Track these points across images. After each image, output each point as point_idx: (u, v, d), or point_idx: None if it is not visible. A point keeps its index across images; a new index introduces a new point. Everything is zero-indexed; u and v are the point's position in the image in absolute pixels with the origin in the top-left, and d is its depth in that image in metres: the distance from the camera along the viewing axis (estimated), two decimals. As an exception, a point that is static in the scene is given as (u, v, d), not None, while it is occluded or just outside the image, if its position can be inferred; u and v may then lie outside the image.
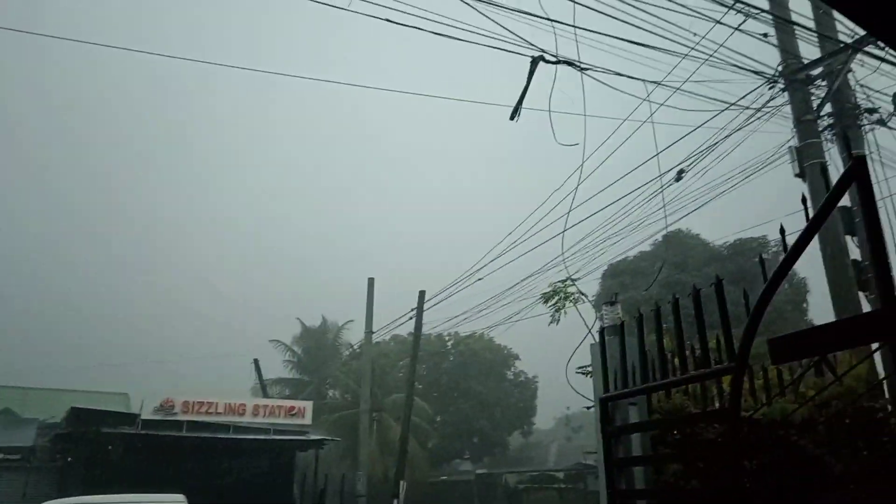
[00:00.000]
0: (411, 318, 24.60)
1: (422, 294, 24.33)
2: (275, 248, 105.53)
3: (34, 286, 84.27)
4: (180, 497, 15.54)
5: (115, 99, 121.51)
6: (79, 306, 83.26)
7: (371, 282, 25.17)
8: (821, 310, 24.62)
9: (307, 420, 22.55)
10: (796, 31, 10.14)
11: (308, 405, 23.26)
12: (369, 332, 24.77)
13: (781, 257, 3.27)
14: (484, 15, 7.63)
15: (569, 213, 9.11)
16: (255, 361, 33.31)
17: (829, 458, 4.11)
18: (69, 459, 20.90)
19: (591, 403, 5.11)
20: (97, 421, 19.61)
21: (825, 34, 9.94)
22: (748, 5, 9.33)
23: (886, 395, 4.92)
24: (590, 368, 5.20)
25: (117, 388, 32.55)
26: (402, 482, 22.50)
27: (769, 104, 10.71)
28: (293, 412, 22.55)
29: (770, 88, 10.49)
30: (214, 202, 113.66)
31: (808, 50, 10.46)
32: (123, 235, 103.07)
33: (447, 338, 41.26)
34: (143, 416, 20.11)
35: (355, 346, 37.32)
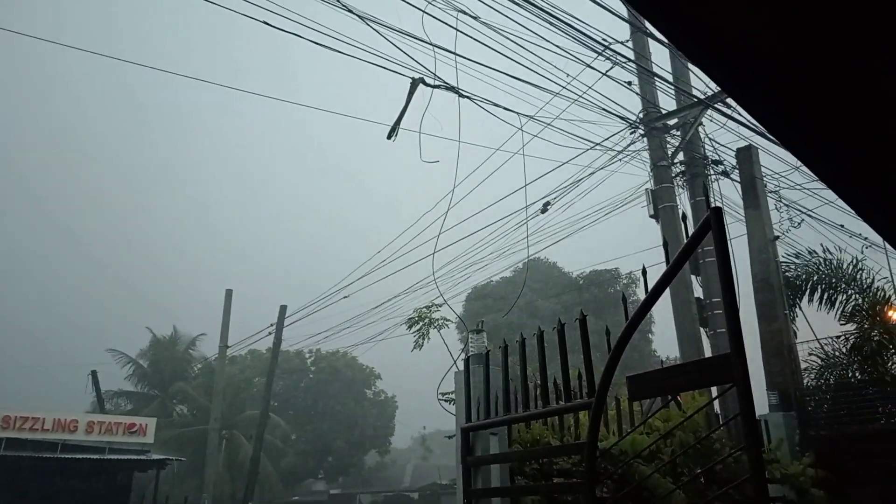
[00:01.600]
0: (270, 334, 23.79)
1: (283, 308, 23.61)
2: (125, 252, 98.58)
3: None
4: (-6, 524, 13.93)
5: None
6: None
7: (229, 293, 24.09)
8: (663, 339, 26.55)
9: (149, 438, 20.99)
10: (657, 83, 10.93)
11: (151, 422, 21.67)
12: (224, 345, 23.64)
13: (632, 290, 3.40)
14: (374, 30, 7.56)
15: (439, 235, 9.16)
16: (93, 373, 30.62)
17: (672, 485, 4.32)
18: None
19: (452, 433, 5.09)
20: None
21: (682, 88, 10.79)
22: (617, 53, 9.92)
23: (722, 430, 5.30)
24: (453, 395, 5.18)
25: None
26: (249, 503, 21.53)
27: (630, 147, 11.45)
28: (133, 430, 20.91)
29: (631, 133, 11.21)
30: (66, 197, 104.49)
31: (667, 101, 11.31)
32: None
33: (308, 355, 40.32)
34: (-47, 432, 17.83)
35: (210, 359, 35.46)
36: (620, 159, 11.70)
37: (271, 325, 23.58)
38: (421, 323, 7.70)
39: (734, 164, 10.75)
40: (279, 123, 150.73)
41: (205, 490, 21.75)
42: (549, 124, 10.89)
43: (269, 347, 28.33)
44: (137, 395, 37.62)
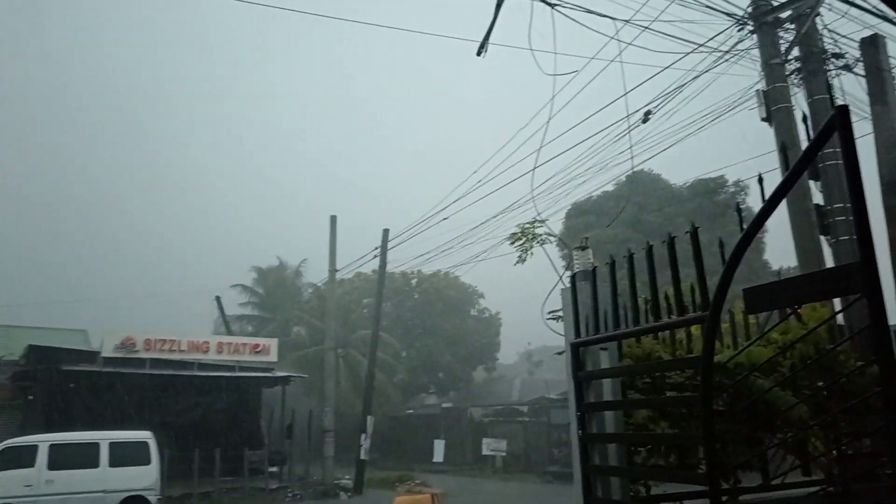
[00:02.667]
0: (375, 257, 24.58)
1: (385, 232, 24.24)
2: (235, 189, 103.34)
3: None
4: (147, 434, 15.60)
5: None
6: (32, 243, 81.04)
7: (333, 220, 24.92)
8: (775, 250, 25.28)
9: (272, 357, 22.61)
10: (769, -29, 9.97)
11: (273, 342, 23.27)
12: (333, 269, 24.68)
13: (741, 198, 3.25)
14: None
15: (540, 148, 9.01)
16: (218, 298, 33.08)
17: (793, 398, 4.23)
18: (30, 397, 20.68)
19: (559, 349, 5.15)
20: (56, 358, 19.34)
21: (798, -26, 9.79)
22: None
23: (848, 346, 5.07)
24: (560, 313, 5.21)
25: (74, 326, 31.99)
26: (369, 417, 22.91)
27: (738, 46, 10.62)
28: (258, 349, 22.56)
29: (739, 30, 10.37)
30: (182, 145, 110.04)
31: (780, -10, 10.33)
32: (81, 174, 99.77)
33: (411, 276, 41.46)
34: (105, 354, 19.88)
35: (318, 283, 37.27)
36: (727, 60, 10.91)
37: (376, 248, 24.35)
38: (524, 238, 7.69)
39: (857, 56, 9.76)
40: (376, 51, 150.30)
41: (326, 404, 23.32)
42: (646, 27, 10.27)
43: (374, 270, 29.35)
44: (257, 319, 40.36)
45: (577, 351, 4.51)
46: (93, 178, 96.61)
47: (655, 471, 4.27)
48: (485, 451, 28.28)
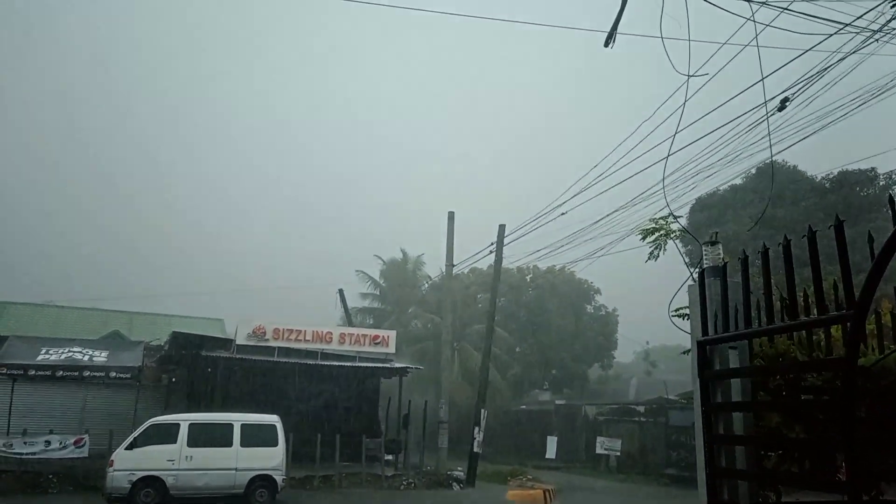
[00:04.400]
0: (491, 252, 24.67)
1: (501, 228, 24.26)
2: (349, 184, 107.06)
3: (136, 218, 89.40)
4: (275, 417, 16.55)
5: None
6: (175, 237, 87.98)
7: (451, 216, 25.24)
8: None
9: (391, 349, 23.25)
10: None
11: (392, 334, 23.93)
12: (450, 264, 25.02)
13: (893, 191, 2.98)
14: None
15: (675, 134, 8.68)
16: (340, 291, 34.45)
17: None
18: (173, 379, 22.47)
19: (679, 348, 4.97)
20: (196, 345, 20.89)
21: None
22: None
23: None
24: (686, 310, 5.03)
25: (211, 314, 34.45)
26: (482, 409, 23.08)
27: (889, 25, 9.74)
28: (377, 341, 23.27)
29: (892, 6, 9.51)
30: (302, 141, 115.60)
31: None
32: (221, 168, 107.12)
33: (526, 271, 41.28)
34: (238, 342, 21.24)
35: (435, 278, 37.93)
36: (877, 39, 10.03)
37: (491, 244, 24.44)
38: (657, 233, 7.44)
39: None
40: (492, 44, 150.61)
41: (442, 395, 23.72)
42: (785, 8, 9.63)
43: (489, 265, 29.51)
44: (377, 312, 41.68)
45: (704, 349, 4.33)
46: (225, 176, 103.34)
47: (791, 476, 4.03)
48: (598, 450, 27.75)
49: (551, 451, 28.37)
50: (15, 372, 18.65)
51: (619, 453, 27.34)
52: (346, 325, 31.44)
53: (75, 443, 17.83)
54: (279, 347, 21.48)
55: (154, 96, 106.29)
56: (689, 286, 4.79)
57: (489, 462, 26.13)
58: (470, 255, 27.17)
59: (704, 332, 4.37)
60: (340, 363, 22.32)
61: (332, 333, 22.81)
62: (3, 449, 17.42)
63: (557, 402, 37.44)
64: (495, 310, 25.60)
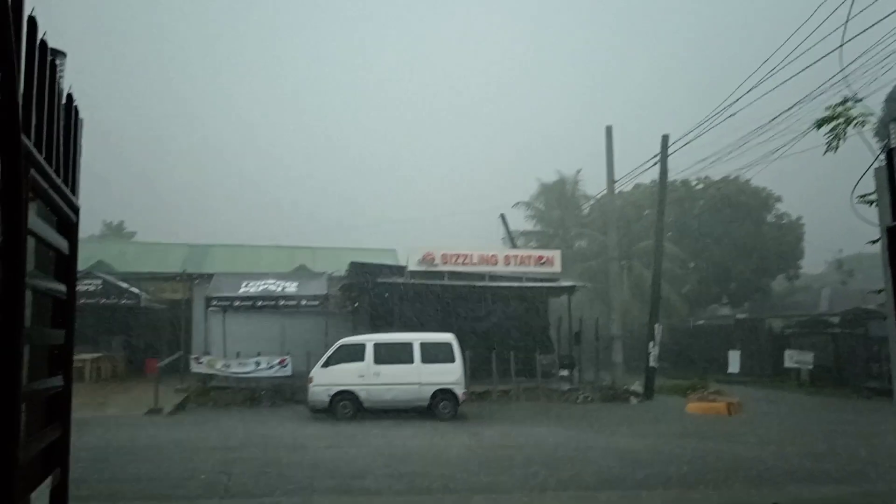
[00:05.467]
0: (655, 164, 23.57)
1: (665, 138, 23.03)
2: (505, 107, 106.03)
3: (309, 159, 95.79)
4: (450, 336, 17.46)
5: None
6: (342, 177, 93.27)
7: (609, 130, 24.35)
8: None
9: (556, 268, 23.31)
10: None
11: (556, 253, 23.94)
12: (611, 180, 24.32)
13: None
14: None
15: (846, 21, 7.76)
16: (502, 216, 34.84)
17: None
18: (356, 305, 24.32)
19: (876, 237, 4.55)
20: (373, 273, 22.38)
21: None
22: None
23: None
24: (873, 197, 4.58)
25: (384, 244, 36.36)
26: (657, 325, 22.67)
27: None
28: (542, 261, 23.42)
29: None
30: (458, 64, 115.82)
31: None
32: (387, 105, 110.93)
33: (695, 182, 38.99)
34: (410, 268, 22.41)
35: (596, 196, 37.08)
36: None
37: (655, 155, 23.33)
38: (836, 121, 6.67)
39: None
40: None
41: (612, 312, 23.57)
42: None
43: (653, 180, 28.23)
44: (539, 234, 41.74)
45: (895, 236, 3.95)
46: (385, 107, 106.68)
47: None
48: (787, 364, 26.28)
49: (734, 366, 27.29)
50: (224, 304, 21.20)
51: (811, 366, 25.72)
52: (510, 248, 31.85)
53: (280, 363, 20.08)
54: (448, 272, 22.37)
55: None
56: (876, 168, 4.34)
57: (667, 377, 25.77)
58: (633, 171, 26.18)
59: (895, 217, 3.97)
60: (508, 283, 22.84)
61: (497, 256, 23.29)
62: (223, 369, 20.10)
63: (738, 316, 35.72)
64: (663, 223, 24.64)
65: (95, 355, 23.65)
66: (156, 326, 25.99)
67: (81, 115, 2.24)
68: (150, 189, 76.75)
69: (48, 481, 2.22)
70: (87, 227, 53.60)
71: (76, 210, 2.70)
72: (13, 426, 1.40)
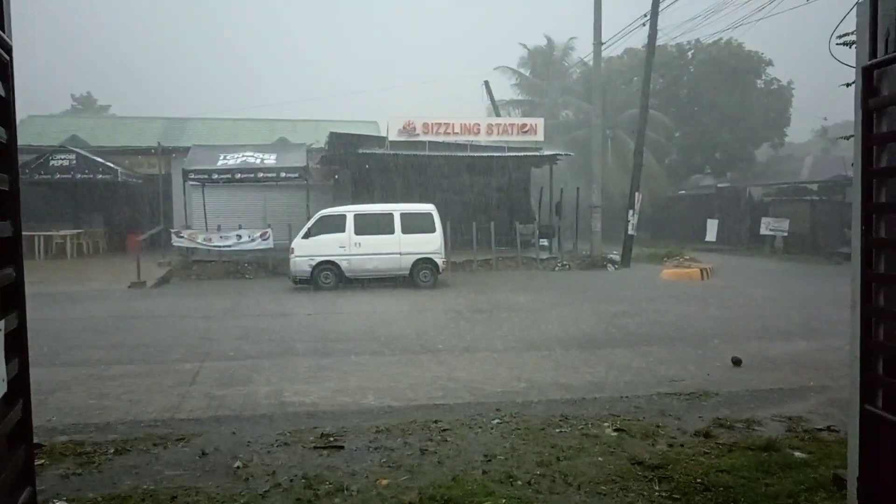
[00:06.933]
0: (645, 25, 22.64)
1: (657, -7, 21.93)
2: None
3: (288, 28, 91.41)
4: (430, 206, 17.41)
5: None
6: (324, 44, 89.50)
7: (599, -14, 23.09)
8: None
9: (539, 137, 22.93)
10: None
11: (540, 121, 23.46)
12: (598, 42, 23.42)
13: None
14: None
15: None
16: (486, 83, 33.78)
17: None
18: (336, 177, 24.06)
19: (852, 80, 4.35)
20: (353, 144, 21.91)
21: None
22: None
23: None
24: (853, 37, 4.33)
25: (366, 118, 35.55)
26: (636, 193, 22.71)
27: None
28: (525, 129, 22.98)
29: None
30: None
31: None
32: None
33: (687, 46, 37.77)
34: (390, 138, 21.96)
35: (584, 58, 35.95)
36: None
37: (644, 14, 22.37)
38: None
39: None
40: None
41: (593, 182, 23.51)
42: None
43: (645, 44, 27.24)
44: (525, 104, 40.76)
45: (871, 74, 3.76)
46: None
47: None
48: (763, 231, 26.70)
49: (711, 234, 27.72)
50: (202, 177, 20.85)
51: (786, 233, 26.15)
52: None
53: (261, 235, 20.09)
54: (429, 142, 21.96)
55: None
56: (859, 4, 4.07)
57: (645, 246, 26.19)
58: (621, 29, 25.13)
59: (873, 54, 3.76)
60: (490, 153, 22.54)
61: (479, 125, 22.80)
62: (204, 242, 20.10)
63: (720, 185, 35.87)
64: (649, 87, 24.05)
65: (76, 231, 23.54)
66: (135, 202, 25.69)
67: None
68: (121, 58, 73.62)
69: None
70: (57, 102, 51.81)
71: (8, 49, 2.44)
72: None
